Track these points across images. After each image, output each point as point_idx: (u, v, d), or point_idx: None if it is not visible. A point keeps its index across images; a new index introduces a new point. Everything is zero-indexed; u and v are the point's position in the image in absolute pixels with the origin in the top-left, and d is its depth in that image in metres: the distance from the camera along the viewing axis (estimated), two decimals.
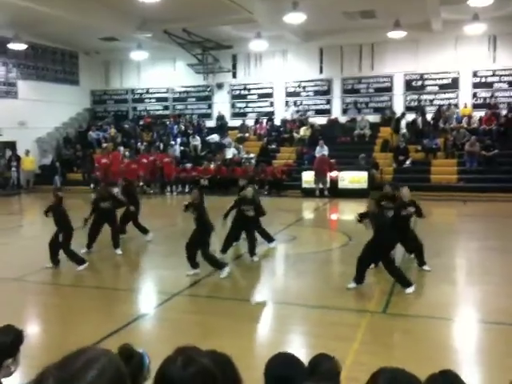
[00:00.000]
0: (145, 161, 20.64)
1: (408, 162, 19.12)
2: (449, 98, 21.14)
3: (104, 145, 22.54)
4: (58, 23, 18.50)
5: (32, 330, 6.34)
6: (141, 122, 24.66)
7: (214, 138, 22.53)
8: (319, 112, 22.84)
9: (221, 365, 1.78)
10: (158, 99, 25.64)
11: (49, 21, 18.00)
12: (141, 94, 25.91)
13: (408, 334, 6.09)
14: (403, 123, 20.53)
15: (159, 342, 5.82)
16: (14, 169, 21.56)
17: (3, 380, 2.59)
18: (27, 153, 21.89)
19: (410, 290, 7.37)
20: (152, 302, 7.68)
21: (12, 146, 21.93)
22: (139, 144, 22.63)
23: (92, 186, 20.82)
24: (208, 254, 8.45)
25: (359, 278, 7.55)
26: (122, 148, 22.19)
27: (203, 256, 8.45)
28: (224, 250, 9.67)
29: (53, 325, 6.65)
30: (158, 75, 24.96)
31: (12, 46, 20.11)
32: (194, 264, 8.45)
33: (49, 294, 8.14)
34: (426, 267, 8.52)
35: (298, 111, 22.71)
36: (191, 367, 1.50)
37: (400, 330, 6.30)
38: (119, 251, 10.24)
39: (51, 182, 21.27)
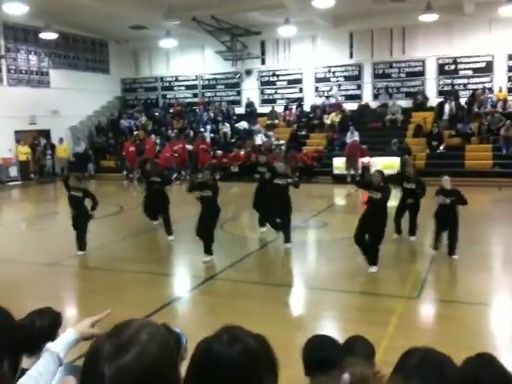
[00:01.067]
0: (179, 147, 20.76)
1: (442, 148, 18.79)
2: (483, 82, 20.62)
3: (135, 132, 22.77)
4: (87, 12, 18.66)
5: (69, 312, 6.50)
6: (171, 110, 24.81)
7: (243, 124, 22.52)
8: (349, 97, 22.55)
9: (263, 345, 1.80)
10: (188, 87, 25.72)
11: (78, 9, 18.17)
12: (170, 82, 26.02)
13: (444, 319, 6.03)
14: (446, 108, 19.90)
15: (193, 324, 5.90)
16: (48, 157, 21.97)
17: None
18: (61, 141, 22.26)
19: (373, 269, 7.57)
20: (186, 286, 7.77)
21: (46, 134, 22.34)
22: (170, 131, 22.78)
23: (125, 173, 21.14)
24: (211, 235, 8.47)
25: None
26: (153, 136, 22.40)
27: (206, 234, 8.45)
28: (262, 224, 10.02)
29: (89, 308, 6.79)
30: (186, 63, 25.00)
31: (43, 35, 20.39)
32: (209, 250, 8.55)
33: (85, 278, 8.31)
34: (455, 256, 8.30)
35: (328, 97, 22.49)
36: (237, 345, 1.50)
37: (436, 316, 6.25)
38: (171, 237, 10.19)
39: (85, 169, 21.64)
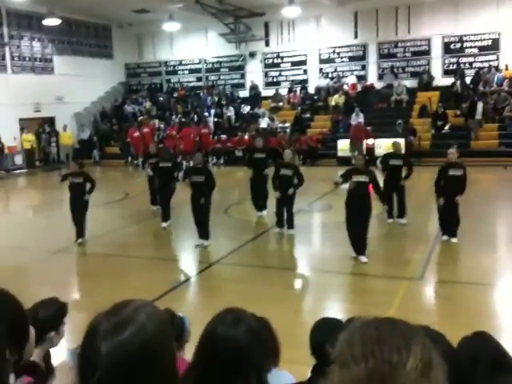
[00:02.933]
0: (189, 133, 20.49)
1: (447, 128, 18.66)
2: (489, 61, 20.38)
3: (140, 118, 22.73)
4: None
5: (74, 299, 6.58)
6: (175, 95, 24.74)
7: (245, 108, 22.41)
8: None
9: (264, 326, 1.86)
10: (191, 71, 25.60)
11: None
12: (174, 66, 25.91)
13: (446, 299, 6.06)
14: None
15: (198, 308, 5.98)
16: (53, 144, 22.01)
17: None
18: (65, 128, 22.29)
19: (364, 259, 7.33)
20: (191, 271, 7.84)
21: (51, 121, 22.37)
22: (174, 116, 22.74)
23: (129, 159, 21.15)
24: (207, 221, 8.46)
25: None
26: (156, 120, 22.37)
27: (203, 220, 8.43)
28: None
29: (94, 293, 6.87)
30: (190, 46, 24.86)
31: (47, 21, 20.32)
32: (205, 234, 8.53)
33: (90, 265, 8.39)
34: (454, 239, 8.10)
35: (332, 78, 22.33)
36: (241, 326, 1.57)
37: (438, 296, 6.27)
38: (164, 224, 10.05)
39: (90, 156, 21.69)
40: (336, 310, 5.99)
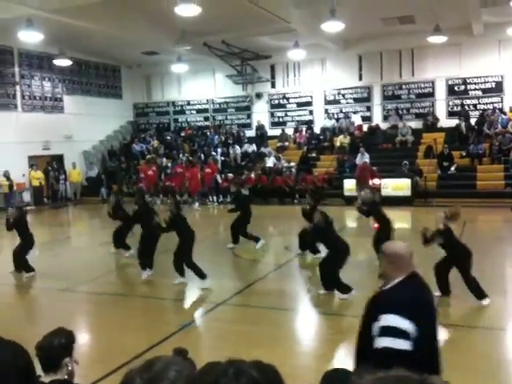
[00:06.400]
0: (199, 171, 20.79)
1: (453, 169, 18.74)
2: (493, 102, 20.64)
3: (148, 156, 22.97)
4: (100, 38, 19.08)
5: (81, 337, 6.52)
6: (182, 134, 25.07)
7: (251, 147, 22.64)
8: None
9: (267, 375, 1.84)
10: (199, 110, 26.01)
11: (91, 36, 18.56)
12: (182, 106, 26.35)
13: (453, 343, 5.96)
14: None
15: (204, 350, 5.91)
16: (61, 181, 22.20)
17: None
18: (74, 165, 22.55)
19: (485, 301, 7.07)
20: (197, 312, 7.78)
21: (59, 159, 22.64)
22: (181, 155, 22.98)
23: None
24: (191, 263, 8.50)
25: None
26: (164, 159, 22.61)
27: (187, 265, 8.50)
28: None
29: (100, 333, 6.82)
30: (197, 87, 25.34)
31: (57, 62, 20.82)
32: (182, 272, 8.59)
33: (97, 304, 8.34)
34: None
35: (337, 119, 22.62)
36: (243, 378, 1.55)
37: (444, 340, 6.17)
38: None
39: (97, 193, 21.84)
40: (342, 355, 5.90)
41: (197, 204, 19.73)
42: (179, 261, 8.50)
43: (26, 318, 7.63)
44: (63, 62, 20.82)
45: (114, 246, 11.32)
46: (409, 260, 3.00)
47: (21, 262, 9.63)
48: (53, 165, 22.14)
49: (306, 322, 7.35)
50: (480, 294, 7.04)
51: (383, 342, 2.58)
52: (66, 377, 2.76)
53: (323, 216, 7.85)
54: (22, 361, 1.44)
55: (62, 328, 2.95)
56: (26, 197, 20.85)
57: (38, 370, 2.56)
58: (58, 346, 2.76)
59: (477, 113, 20.70)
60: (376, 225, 9.56)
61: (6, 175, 19.73)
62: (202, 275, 8.45)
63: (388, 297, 3.06)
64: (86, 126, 22.85)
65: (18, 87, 21.03)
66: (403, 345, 2.56)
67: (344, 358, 5.60)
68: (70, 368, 2.78)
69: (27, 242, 9.68)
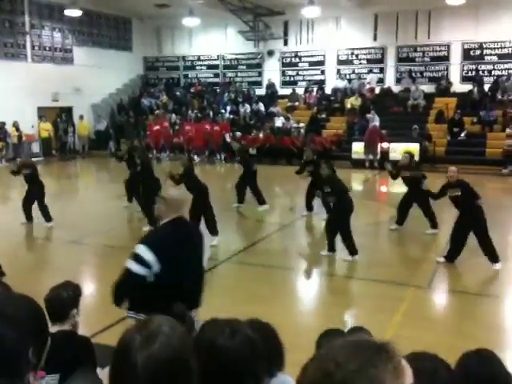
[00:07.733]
0: (207, 127, 20.79)
1: (463, 135, 18.56)
2: (508, 69, 20.23)
3: (156, 112, 22.88)
4: None
5: (88, 288, 6.69)
6: (192, 90, 24.85)
7: (259, 107, 22.44)
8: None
9: (262, 333, 1.94)
10: (209, 66, 25.69)
11: None
12: (192, 62, 26.01)
13: (452, 309, 6.08)
14: None
15: (206, 306, 6.05)
16: (70, 134, 22.24)
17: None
18: (81, 117, 22.50)
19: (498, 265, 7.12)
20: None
21: (68, 111, 22.59)
22: (190, 112, 22.85)
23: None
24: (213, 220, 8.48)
25: None
26: (173, 115, 22.51)
27: (209, 221, 8.43)
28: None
29: (105, 285, 6.97)
30: (209, 42, 24.94)
31: (68, 12, 20.51)
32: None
33: (103, 256, 8.50)
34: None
35: (349, 80, 22.31)
36: (238, 337, 1.66)
37: (444, 306, 6.29)
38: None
39: (106, 147, 21.89)
40: (341, 314, 6.04)
41: (196, 157, 19.72)
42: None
43: (34, 268, 7.80)
44: (74, 13, 20.53)
45: (127, 199, 11.38)
46: (179, 206, 3.49)
47: (44, 211, 9.71)
48: (62, 117, 22.13)
49: (308, 281, 7.48)
50: (494, 257, 7.08)
51: (128, 263, 3.21)
52: (71, 328, 2.91)
53: (328, 166, 8.25)
54: (37, 315, 1.50)
55: (68, 281, 3.10)
56: (35, 148, 20.95)
57: None
58: (67, 298, 2.92)
59: (491, 79, 20.33)
60: None
61: (16, 126, 19.78)
62: (214, 231, 8.44)
63: (150, 231, 4.45)
64: (95, 79, 22.65)
65: (28, 37, 20.81)
66: (140, 270, 3.14)
67: (343, 318, 5.74)
68: (76, 319, 2.94)
69: (39, 192, 9.74)
